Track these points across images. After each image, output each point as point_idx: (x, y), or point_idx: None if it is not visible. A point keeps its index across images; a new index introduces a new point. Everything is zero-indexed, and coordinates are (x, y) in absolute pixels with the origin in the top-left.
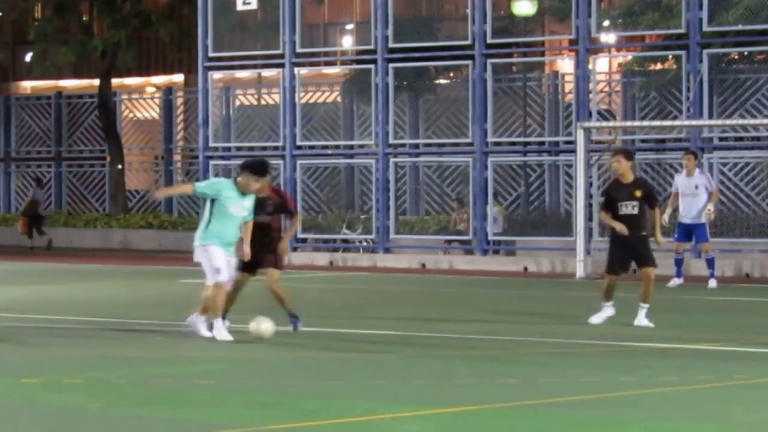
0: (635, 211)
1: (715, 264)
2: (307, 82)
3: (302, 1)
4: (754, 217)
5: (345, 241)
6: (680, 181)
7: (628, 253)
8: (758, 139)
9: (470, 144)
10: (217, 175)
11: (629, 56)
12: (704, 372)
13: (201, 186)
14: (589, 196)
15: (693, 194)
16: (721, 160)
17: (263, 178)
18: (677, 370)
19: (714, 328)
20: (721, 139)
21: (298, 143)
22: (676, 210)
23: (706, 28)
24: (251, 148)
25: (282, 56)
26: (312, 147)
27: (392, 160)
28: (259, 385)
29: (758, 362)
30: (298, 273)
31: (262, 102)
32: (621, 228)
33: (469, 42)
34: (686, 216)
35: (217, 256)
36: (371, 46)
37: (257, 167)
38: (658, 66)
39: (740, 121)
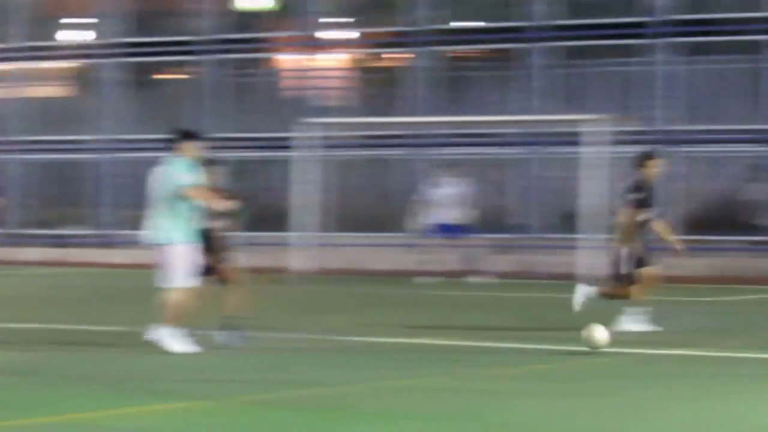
0: None
1: None
2: (35, 76)
3: None
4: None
5: (70, 236)
6: (438, 190)
7: None
8: (480, 136)
9: None
10: None
11: (355, 52)
12: (416, 366)
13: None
14: (311, 192)
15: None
16: (447, 157)
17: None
18: (391, 365)
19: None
20: (445, 135)
21: (22, 138)
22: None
23: (431, 26)
24: None
25: (10, 50)
26: (36, 142)
27: (117, 155)
28: None
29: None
30: (23, 268)
31: None
32: None
33: (196, 38)
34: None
35: None
36: (100, 41)
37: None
38: (383, 63)
39: (463, 119)
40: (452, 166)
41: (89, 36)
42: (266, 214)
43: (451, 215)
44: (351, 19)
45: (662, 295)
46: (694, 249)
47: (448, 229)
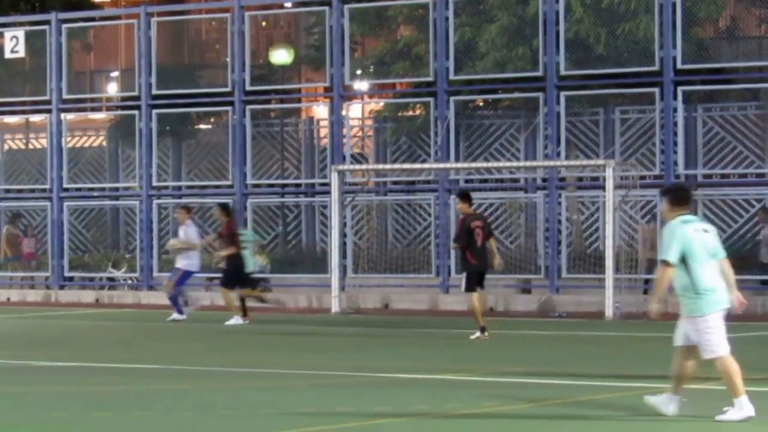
0: None
1: None
2: (74, 127)
3: (69, 48)
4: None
5: (111, 279)
6: None
7: None
8: (501, 180)
9: (230, 186)
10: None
11: (381, 103)
12: (453, 401)
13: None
14: (343, 235)
15: None
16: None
17: None
18: (427, 399)
19: (462, 359)
20: (467, 181)
21: (65, 186)
22: None
23: (453, 76)
24: (20, 191)
25: (49, 102)
26: (79, 189)
27: (155, 201)
28: (26, 417)
29: (502, 390)
30: (65, 310)
31: (30, 146)
32: None
33: (229, 89)
34: None
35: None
36: (135, 93)
37: None
38: (409, 112)
39: (485, 164)
40: None
41: (125, 88)
42: (303, 257)
43: None
44: (377, 70)
45: None
46: None
47: None
